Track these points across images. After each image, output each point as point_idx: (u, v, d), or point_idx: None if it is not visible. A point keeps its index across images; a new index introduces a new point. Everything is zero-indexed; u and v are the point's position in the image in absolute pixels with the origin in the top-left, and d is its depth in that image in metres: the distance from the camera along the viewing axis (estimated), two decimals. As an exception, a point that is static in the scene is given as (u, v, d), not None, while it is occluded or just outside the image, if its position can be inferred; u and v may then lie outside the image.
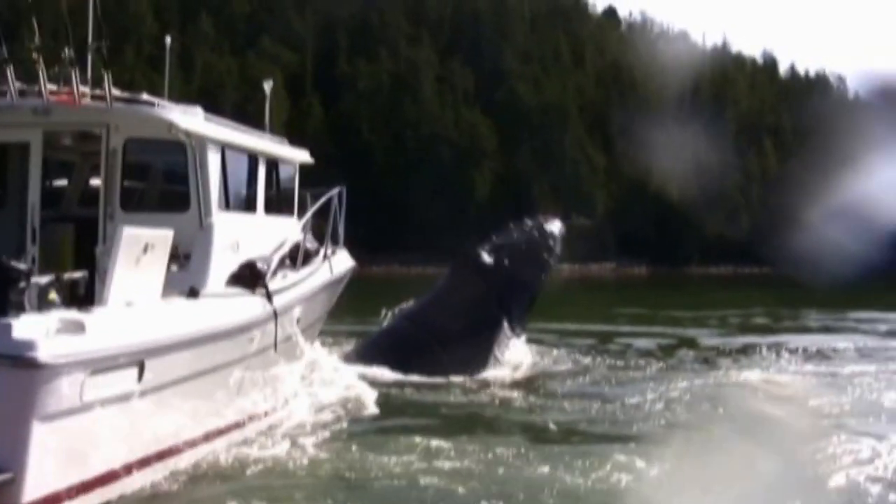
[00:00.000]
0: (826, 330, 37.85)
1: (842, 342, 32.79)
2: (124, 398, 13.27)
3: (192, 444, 15.19)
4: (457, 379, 24.65)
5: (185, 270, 16.09)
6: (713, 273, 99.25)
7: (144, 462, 14.04)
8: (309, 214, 20.69)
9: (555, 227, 28.83)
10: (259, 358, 17.28)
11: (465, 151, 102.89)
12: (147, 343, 13.57)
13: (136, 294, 14.05)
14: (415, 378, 24.70)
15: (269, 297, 17.22)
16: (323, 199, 21.43)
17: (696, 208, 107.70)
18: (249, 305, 16.85)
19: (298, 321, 19.32)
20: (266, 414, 18.05)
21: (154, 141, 16.69)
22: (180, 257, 16.05)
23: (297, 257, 19.51)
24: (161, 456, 14.42)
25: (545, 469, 15.56)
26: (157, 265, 14.52)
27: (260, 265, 17.42)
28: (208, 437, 15.72)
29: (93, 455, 13.04)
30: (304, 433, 17.80)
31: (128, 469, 13.62)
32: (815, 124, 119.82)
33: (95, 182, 17.61)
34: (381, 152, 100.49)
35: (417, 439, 17.34)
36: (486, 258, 26.85)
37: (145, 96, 16.78)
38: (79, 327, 12.48)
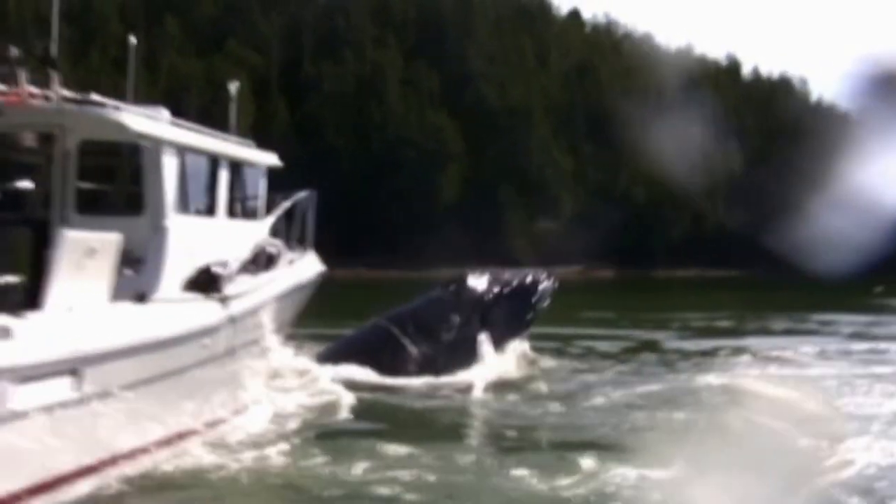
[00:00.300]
0: (790, 333, 38.06)
1: (805, 345, 33.02)
2: (59, 407, 12.95)
3: (137, 453, 14.84)
4: (425, 381, 24.85)
5: (138, 275, 15.80)
6: (680, 276, 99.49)
7: (83, 472, 13.67)
8: (273, 218, 20.58)
9: (547, 283, 29.60)
10: (214, 364, 16.92)
11: (431, 154, 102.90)
12: (84, 350, 13.26)
13: (79, 299, 13.78)
14: (384, 380, 24.87)
15: (224, 302, 16.93)
16: (289, 203, 21.25)
17: (662, 211, 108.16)
18: (203, 311, 16.57)
19: (260, 326, 19.04)
20: (223, 421, 17.68)
21: (109, 143, 16.36)
22: (133, 261, 15.76)
23: (259, 261, 19.24)
24: (102, 466, 14.04)
25: (500, 476, 15.43)
26: (103, 270, 14.27)
27: (217, 270, 17.15)
28: (156, 445, 15.32)
29: (24, 465, 12.73)
30: (261, 441, 17.49)
31: (63, 479, 13.31)
32: (780, 126, 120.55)
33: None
34: (347, 155, 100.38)
35: (375, 446, 17.19)
36: (476, 283, 27.97)
37: (94, 97, 16.33)
38: (5, 333, 12.24)
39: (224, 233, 18.80)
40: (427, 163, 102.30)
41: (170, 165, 16.72)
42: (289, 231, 21.61)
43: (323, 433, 18.80)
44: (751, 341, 33.47)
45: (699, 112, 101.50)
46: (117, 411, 14.07)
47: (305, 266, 22.22)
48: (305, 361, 26.61)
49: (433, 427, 20.24)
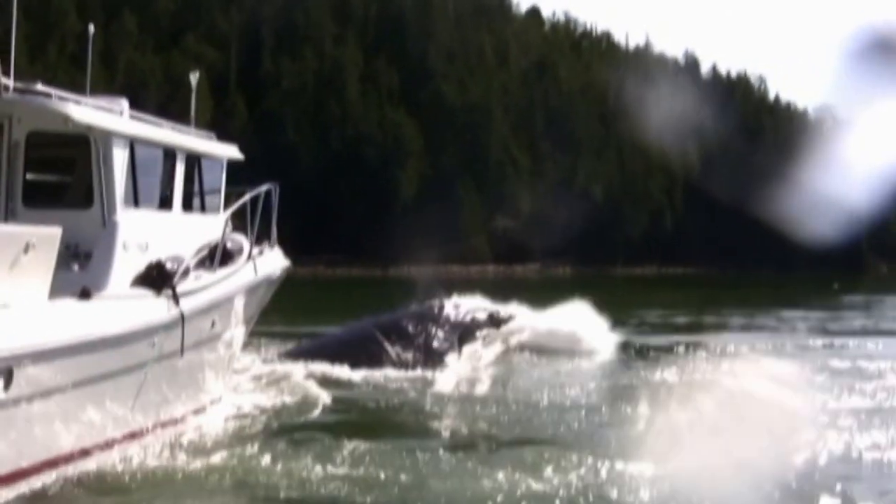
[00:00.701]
0: (747, 328, 38.43)
1: (760, 341, 33.33)
2: None
3: (77, 455, 14.42)
4: (394, 374, 25.23)
5: (85, 270, 15.39)
6: (637, 273, 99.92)
7: (18, 475, 13.32)
8: (229, 212, 19.88)
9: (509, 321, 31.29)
10: (163, 363, 16.40)
11: (391, 151, 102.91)
12: (14, 349, 12.80)
13: (14, 296, 13.31)
14: (355, 374, 25.10)
15: (175, 299, 16.38)
16: (248, 196, 20.42)
17: (621, 208, 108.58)
18: (151, 308, 16.00)
19: (214, 324, 18.42)
20: (178, 421, 17.33)
21: (58, 135, 15.82)
22: (81, 256, 15.46)
23: (217, 257, 18.50)
24: (39, 468, 13.67)
25: (459, 473, 15.36)
26: (41, 265, 13.79)
27: (169, 265, 16.58)
28: (100, 447, 14.89)
29: None
30: (216, 440, 17.25)
31: None
32: (737, 125, 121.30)
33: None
34: (306, 152, 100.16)
35: (335, 443, 16.98)
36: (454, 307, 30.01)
37: (41, 87, 15.76)
38: None
39: (179, 227, 18.21)
40: (386, 160, 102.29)
41: (120, 158, 16.27)
42: (251, 225, 20.73)
43: (283, 430, 18.45)
44: (708, 337, 33.51)
45: (657, 110, 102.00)
46: (53, 412, 13.73)
47: (268, 261, 21.58)
48: (270, 358, 26.63)
49: (397, 424, 20.17)
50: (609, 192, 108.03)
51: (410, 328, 28.28)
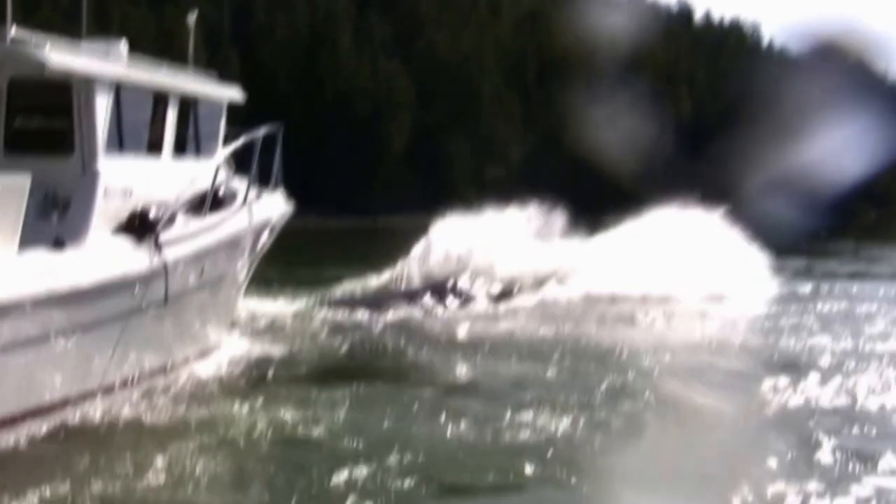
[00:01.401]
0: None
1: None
2: None
3: (55, 406, 14.30)
4: (413, 319, 26.44)
5: (64, 219, 15.11)
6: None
7: None
8: (222, 156, 19.50)
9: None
10: (146, 313, 16.01)
11: (383, 103, 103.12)
12: None
13: None
14: (367, 319, 25.93)
15: (158, 247, 15.94)
16: (243, 139, 20.06)
17: (612, 157, 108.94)
18: (130, 257, 15.59)
19: (204, 271, 17.96)
20: (161, 371, 17.11)
21: (39, 81, 15.50)
22: (60, 205, 15.16)
23: (209, 202, 18.15)
24: (14, 420, 13.60)
25: (440, 428, 15.47)
26: (9, 215, 13.43)
27: (153, 213, 16.12)
28: (75, 399, 14.72)
29: None
30: (201, 389, 17.16)
31: None
32: (730, 74, 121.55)
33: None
34: (299, 105, 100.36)
35: (323, 391, 17.14)
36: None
37: (14, 31, 15.35)
38: None
39: (169, 173, 17.76)
40: (378, 112, 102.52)
41: (102, 104, 15.85)
42: (251, 169, 20.49)
43: (278, 378, 18.64)
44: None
45: (649, 60, 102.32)
46: (25, 364, 13.52)
47: (266, 205, 21.11)
48: (273, 306, 26.94)
49: (404, 370, 20.47)
50: (601, 141, 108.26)
51: (435, 288, 29.66)
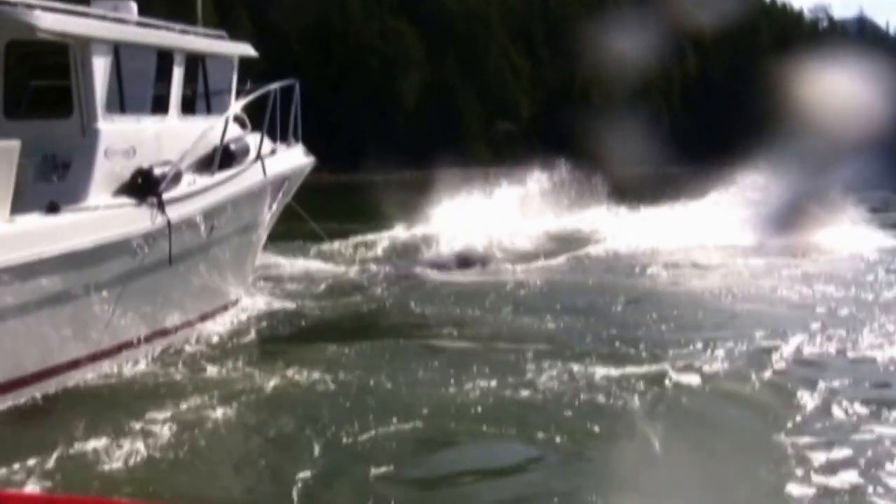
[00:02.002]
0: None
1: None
2: None
3: (50, 372, 14.14)
4: (435, 274, 26.54)
5: (63, 181, 14.88)
6: (637, 173, 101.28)
7: None
8: (231, 112, 18.81)
9: None
10: (149, 274, 15.77)
11: (393, 61, 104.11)
12: None
13: None
14: (392, 272, 26.43)
15: (161, 206, 15.66)
16: (255, 93, 19.72)
17: (619, 112, 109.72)
18: (129, 218, 15.31)
19: (214, 229, 17.66)
20: (169, 332, 16.88)
21: (37, 43, 15.33)
22: (60, 168, 14.99)
23: (218, 159, 17.81)
24: (15, 385, 13.55)
25: (464, 384, 14.88)
26: None
27: (157, 172, 15.85)
28: (73, 364, 14.55)
29: None
30: (212, 349, 16.98)
31: None
32: (735, 26, 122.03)
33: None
34: (310, 64, 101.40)
35: (337, 349, 16.66)
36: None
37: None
38: None
39: (176, 132, 17.37)
40: (389, 70, 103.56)
41: (101, 64, 15.55)
42: (264, 123, 20.11)
43: (293, 335, 18.39)
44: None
45: (654, 14, 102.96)
46: (21, 330, 13.56)
47: (282, 160, 20.79)
48: (293, 261, 26.64)
49: (409, 329, 19.68)
50: (608, 95, 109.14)
51: (456, 251, 29.71)
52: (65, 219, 14.26)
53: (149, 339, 16.18)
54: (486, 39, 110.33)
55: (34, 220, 13.88)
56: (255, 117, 20.63)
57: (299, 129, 21.90)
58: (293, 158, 21.66)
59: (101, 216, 14.81)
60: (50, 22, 14.92)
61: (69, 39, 15.25)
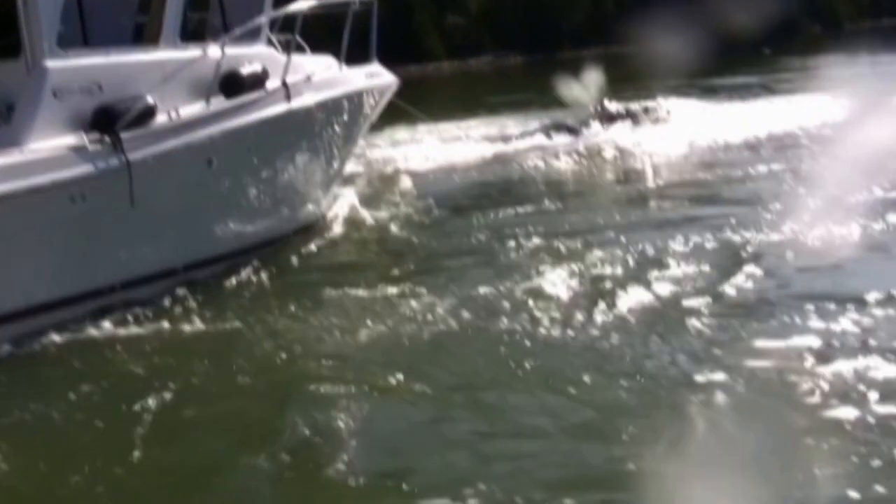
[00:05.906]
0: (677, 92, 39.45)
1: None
2: None
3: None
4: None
5: (8, 125, 13.96)
6: (584, 55, 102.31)
7: None
8: (237, 32, 16.58)
9: None
10: (103, 220, 14.32)
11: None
12: None
13: None
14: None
15: (117, 144, 14.25)
16: (279, 11, 17.81)
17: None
18: (70, 159, 13.91)
19: (212, 163, 15.96)
20: (137, 283, 15.18)
21: None
22: (3, 111, 14.14)
23: (214, 88, 16.10)
24: None
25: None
26: None
27: (117, 107, 14.44)
28: (23, 313, 13.54)
29: None
30: (204, 297, 15.24)
31: None
32: None
33: None
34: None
35: (338, 293, 15.10)
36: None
37: None
38: None
39: (165, 64, 15.62)
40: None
41: None
42: (292, 42, 17.94)
43: (276, 282, 16.34)
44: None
45: None
46: None
47: (343, 82, 19.02)
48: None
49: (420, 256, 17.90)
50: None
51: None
52: None
53: (117, 288, 14.78)
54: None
55: None
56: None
57: (373, 49, 20.51)
58: (355, 81, 19.71)
59: (44, 158, 13.59)
60: None
61: None
